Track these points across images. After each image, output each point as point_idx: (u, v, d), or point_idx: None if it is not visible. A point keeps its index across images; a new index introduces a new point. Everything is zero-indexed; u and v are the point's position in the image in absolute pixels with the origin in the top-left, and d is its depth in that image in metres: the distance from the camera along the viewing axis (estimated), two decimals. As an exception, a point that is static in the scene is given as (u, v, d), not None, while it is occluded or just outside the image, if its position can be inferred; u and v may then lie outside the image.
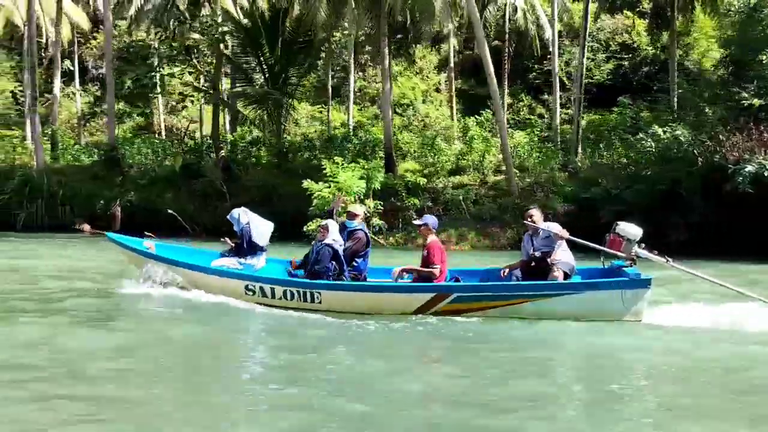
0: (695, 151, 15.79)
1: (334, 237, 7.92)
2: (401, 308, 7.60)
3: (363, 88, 38.81)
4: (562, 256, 7.80)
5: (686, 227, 15.36)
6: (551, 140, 22.82)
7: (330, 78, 29.21)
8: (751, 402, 4.94)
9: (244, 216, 8.71)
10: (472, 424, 4.34)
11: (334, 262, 7.80)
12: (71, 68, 39.97)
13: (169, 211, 19.57)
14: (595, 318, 7.40)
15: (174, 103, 35.11)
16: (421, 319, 7.48)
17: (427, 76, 38.32)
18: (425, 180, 18.67)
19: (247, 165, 22.21)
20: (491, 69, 19.03)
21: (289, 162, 22.08)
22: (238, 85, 22.67)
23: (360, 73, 37.68)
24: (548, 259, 7.79)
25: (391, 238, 17.98)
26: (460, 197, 17.91)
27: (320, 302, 7.70)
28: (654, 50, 31.11)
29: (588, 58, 31.15)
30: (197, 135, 28.52)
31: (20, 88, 38.35)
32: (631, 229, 7.54)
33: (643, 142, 16.96)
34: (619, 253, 7.55)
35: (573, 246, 7.96)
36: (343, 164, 17.31)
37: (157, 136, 34.99)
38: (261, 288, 7.93)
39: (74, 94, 37.16)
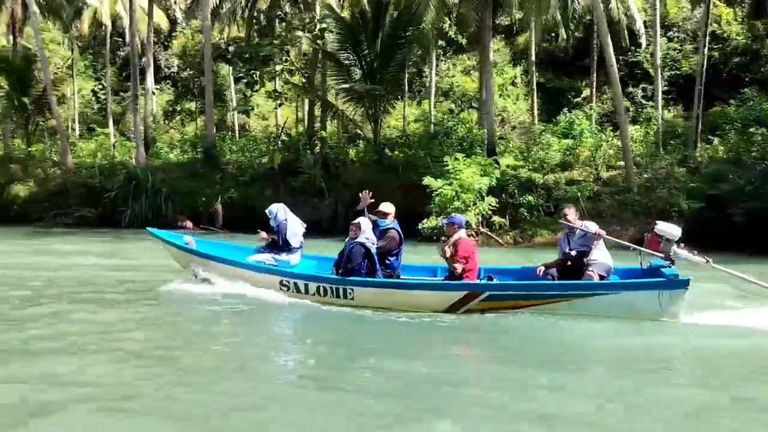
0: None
1: (366, 236, 7.85)
2: (434, 306, 7.58)
3: (436, 83, 38.32)
4: (599, 255, 7.67)
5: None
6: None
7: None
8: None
9: (282, 212, 8.65)
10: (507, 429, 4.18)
11: (366, 261, 7.79)
12: (146, 67, 40.60)
13: (356, 209, 19.36)
14: (631, 318, 7.23)
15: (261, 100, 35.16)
16: (455, 316, 7.44)
17: (503, 70, 37.53)
18: (540, 176, 18.02)
19: (345, 161, 21.91)
20: (613, 60, 18.24)
21: (388, 158, 21.70)
22: (335, 80, 22.36)
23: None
24: (584, 259, 7.67)
25: (507, 236, 17.42)
26: (578, 194, 17.21)
27: (353, 298, 7.74)
28: (746, 40, 29.71)
29: (674, 50, 30.04)
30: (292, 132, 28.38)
31: (100, 87, 39.13)
32: (669, 229, 7.35)
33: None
34: (656, 253, 7.37)
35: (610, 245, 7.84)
36: (463, 160, 16.78)
37: (230, 133, 35.26)
38: (295, 284, 8.02)
39: (153, 93, 37.57)
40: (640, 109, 28.45)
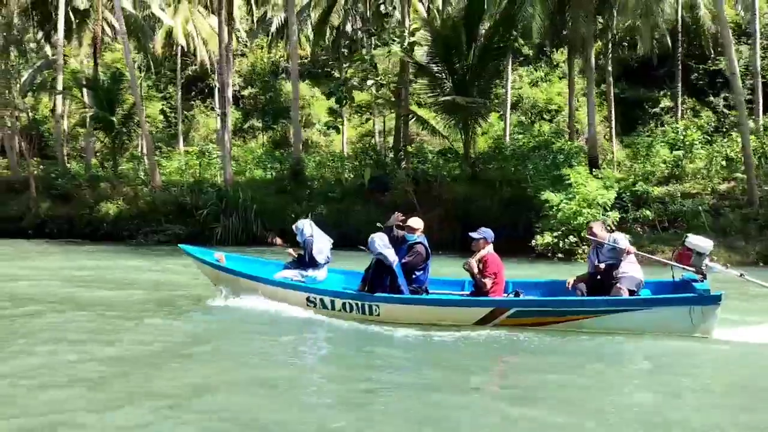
0: None
1: (387, 250, 7.90)
2: (460, 321, 7.52)
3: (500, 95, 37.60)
4: (629, 269, 7.47)
5: None
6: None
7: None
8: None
9: (308, 228, 8.67)
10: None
11: (389, 277, 7.84)
12: (210, 86, 40.78)
13: (378, 224, 18.89)
14: (662, 334, 7.04)
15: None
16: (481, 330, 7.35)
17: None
18: (657, 189, 17.06)
19: (437, 176, 21.27)
20: (736, 68, 17.20)
21: (483, 172, 20.99)
22: (425, 93, 21.79)
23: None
24: (614, 272, 7.49)
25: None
26: (699, 208, 16.22)
27: (378, 315, 7.74)
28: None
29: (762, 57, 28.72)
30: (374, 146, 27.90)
31: (169, 107, 39.41)
32: (700, 242, 7.17)
33: None
34: (687, 267, 7.20)
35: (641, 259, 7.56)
36: (585, 173, 15.94)
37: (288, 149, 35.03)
38: (321, 300, 8.04)
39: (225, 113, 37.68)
40: (722, 119, 27.26)
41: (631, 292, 7.41)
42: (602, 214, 15.23)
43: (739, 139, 17.36)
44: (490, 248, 7.84)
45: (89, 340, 7.04)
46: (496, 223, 19.47)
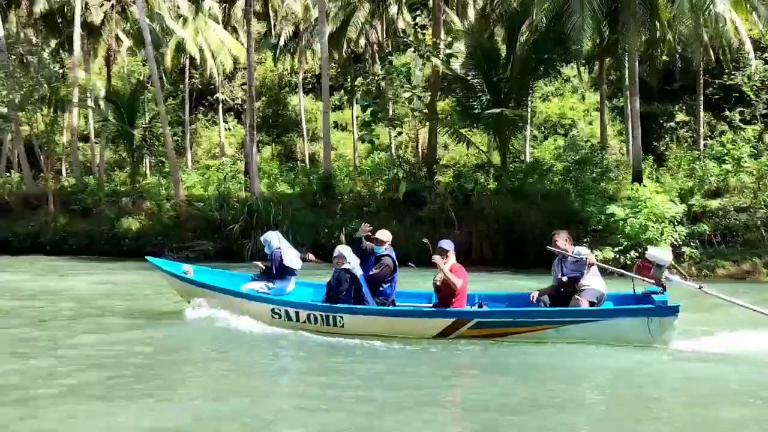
0: None
1: (351, 264, 7.90)
2: (422, 333, 7.55)
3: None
4: (592, 281, 7.50)
5: None
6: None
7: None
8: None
9: (275, 240, 8.62)
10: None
11: (353, 287, 7.80)
12: (211, 100, 39.88)
13: (424, 240, 18.22)
14: (620, 344, 7.09)
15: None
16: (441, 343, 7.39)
17: (582, 96, 36.33)
18: (716, 203, 16.62)
19: (476, 190, 20.66)
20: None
21: (522, 186, 20.44)
22: (462, 105, 21.23)
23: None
24: (577, 285, 7.51)
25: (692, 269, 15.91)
26: (757, 223, 15.82)
27: (342, 326, 7.70)
28: None
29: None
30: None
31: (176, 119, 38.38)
32: (660, 254, 7.19)
33: None
34: (647, 279, 7.21)
35: (603, 271, 7.65)
36: (653, 186, 15.44)
37: (300, 163, 34.22)
38: (286, 311, 7.98)
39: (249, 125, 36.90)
40: (737, 133, 27.15)
41: (592, 304, 7.43)
42: (670, 229, 14.72)
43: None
44: (453, 258, 7.80)
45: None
46: (542, 237, 19.10)
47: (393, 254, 8.18)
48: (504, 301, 8.35)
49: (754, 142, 19.48)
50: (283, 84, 44.74)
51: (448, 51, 20.25)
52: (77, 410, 5.16)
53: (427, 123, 21.69)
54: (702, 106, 26.94)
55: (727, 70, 29.05)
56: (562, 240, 7.86)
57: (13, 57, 22.65)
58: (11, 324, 9.15)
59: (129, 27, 30.51)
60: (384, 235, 8.26)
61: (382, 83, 20.42)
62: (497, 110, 18.34)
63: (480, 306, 7.99)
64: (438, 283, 7.77)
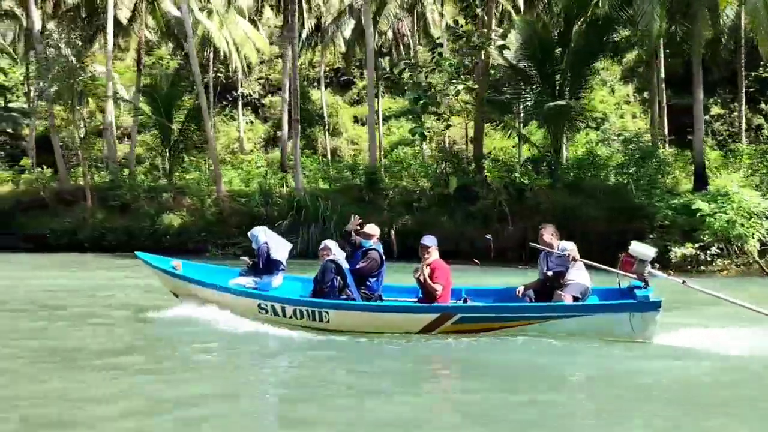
0: None
1: (336, 255, 7.92)
2: (407, 328, 7.51)
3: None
4: (576, 276, 7.49)
5: None
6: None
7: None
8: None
9: (262, 235, 8.58)
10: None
11: (338, 277, 7.78)
12: (235, 95, 39.03)
13: (487, 236, 17.58)
14: (603, 339, 7.13)
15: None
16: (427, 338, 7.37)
17: (612, 89, 35.70)
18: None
19: (530, 185, 20.01)
20: None
21: (577, 179, 19.80)
22: (517, 98, 20.55)
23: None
24: (561, 280, 7.51)
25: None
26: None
27: (328, 321, 7.66)
28: None
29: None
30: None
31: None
32: (642, 249, 7.14)
33: None
34: (629, 274, 7.21)
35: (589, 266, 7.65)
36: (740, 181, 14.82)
37: (321, 158, 33.44)
38: (273, 307, 7.90)
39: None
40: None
41: (576, 299, 7.41)
42: (758, 225, 14.11)
43: None
44: (436, 254, 7.71)
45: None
46: (603, 233, 18.53)
47: (380, 249, 8.15)
48: (490, 296, 8.32)
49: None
50: (301, 78, 44.01)
51: (500, 42, 19.53)
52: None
53: (475, 116, 20.95)
54: (744, 100, 26.36)
55: (762, 62, 28.45)
56: (548, 234, 7.79)
57: (51, 49, 21.79)
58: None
59: (156, 20, 29.64)
60: (372, 229, 8.23)
61: (432, 75, 19.62)
62: (562, 102, 17.63)
63: (465, 301, 7.94)
64: (420, 279, 7.68)
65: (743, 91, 26.34)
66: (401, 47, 34.46)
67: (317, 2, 37.74)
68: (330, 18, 36.34)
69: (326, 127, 37.40)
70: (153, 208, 22.52)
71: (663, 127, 27.73)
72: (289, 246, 8.77)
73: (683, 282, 7.19)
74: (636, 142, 19.87)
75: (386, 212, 20.90)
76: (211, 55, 34.72)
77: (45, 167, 25.90)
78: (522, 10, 22.90)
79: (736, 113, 30.22)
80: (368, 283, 7.97)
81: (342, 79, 44.85)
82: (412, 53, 31.04)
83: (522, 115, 20.61)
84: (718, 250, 14.62)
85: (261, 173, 24.00)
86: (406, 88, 20.20)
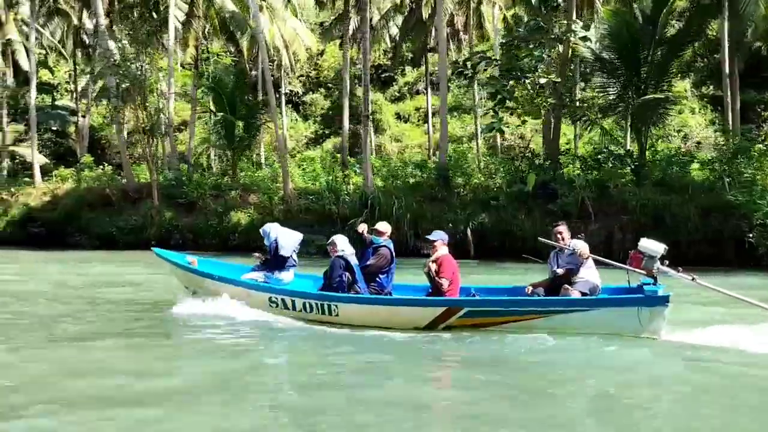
0: None
1: (344, 250, 7.91)
2: (414, 322, 7.49)
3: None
4: (586, 274, 7.46)
5: None
6: None
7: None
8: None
9: (273, 231, 8.67)
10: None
11: (347, 273, 7.79)
12: (285, 91, 38.48)
13: (579, 236, 16.85)
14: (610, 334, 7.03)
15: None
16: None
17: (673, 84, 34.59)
18: None
19: (616, 182, 19.14)
20: None
21: (664, 176, 18.91)
22: (598, 91, 19.69)
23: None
24: (571, 278, 7.47)
25: None
26: None
27: (337, 315, 7.69)
28: None
29: None
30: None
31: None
32: (651, 245, 7.01)
33: None
34: (638, 270, 7.11)
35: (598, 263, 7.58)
36: None
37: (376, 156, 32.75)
38: (283, 300, 7.99)
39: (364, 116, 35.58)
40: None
41: (584, 294, 7.35)
42: None
43: None
44: (445, 250, 7.74)
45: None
46: (697, 232, 17.66)
47: (391, 246, 8.16)
48: (500, 293, 8.28)
49: None
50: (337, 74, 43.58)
51: (582, 33, 18.68)
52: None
53: (553, 111, 20.12)
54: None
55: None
56: (566, 233, 7.77)
57: (122, 45, 21.33)
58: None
59: (210, 17, 29.17)
60: (383, 226, 8.27)
61: (512, 68, 18.81)
62: (660, 95, 16.75)
63: (472, 296, 7.90)
64: (429, 272, 7.72)
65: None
66: (458, 41, 33.77)
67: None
68: (377, 14, 35.67)
69: (373, 124, 36.84)
70: (219, 205, 22.00)
71: (737, 122, 26.68)
72: (298, 239, 8.79)
73: (693, 279, 7.03)
74: (731, 137, 18.89)
75: (460, 210, 20.19)
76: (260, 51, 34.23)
77: (106, 165, 25.53)
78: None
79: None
80: (378, 279, 8.01)
81: (383, 75, 44.26)
82: (467, 47, 30.25)
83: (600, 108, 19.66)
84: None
85: (323, 171, 23.32)
86: (480, 82, 19.27)
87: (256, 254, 9.02)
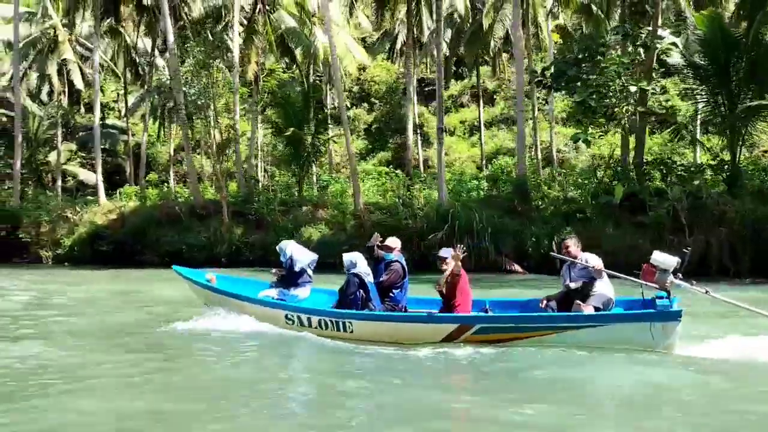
0: None
1: (360, 269, 8.00)
2: (427, 338, 7.49)
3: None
4: (599, 287, 7.45)
5: None
6: None
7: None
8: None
9: (288, 248, 8.71)
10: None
11: (361, 290, 7.90)
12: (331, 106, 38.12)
13: (686, 249, 15.95)
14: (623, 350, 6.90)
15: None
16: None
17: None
18: None
19: (708, 193, 18.18)
20: None
21: (762, 186, 17.92)
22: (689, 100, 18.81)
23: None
24: (584, 291, 7.42)
25: None
26: None
27: (352, 332, 7.74)
28: None
29: None
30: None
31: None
32: (664, 259, 6.88)
33: None
34: (651, 284, 6.98)
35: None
36: None
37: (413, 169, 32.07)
38: (299, 317, 8.06)
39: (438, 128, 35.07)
40: None
41: (597, 309, 7.28)
42: None
43: None
44: (453, 264, 7.65)
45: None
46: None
47: (403, 260, 8.21)
48: (513, 307, 8.23)
49: None
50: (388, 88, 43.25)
51: (672, 39, 17.86)
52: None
53: (639, 119, 19.26)
54: None
55: None
56: (573, 246, 7.71)
57: (193, 61, 21.04)
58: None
59: (267, 32, 28.88)
60: (393, 242, 8.31)
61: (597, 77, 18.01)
62: (765, 102, 15.83)
63: (486, 311, 7.91)
64: (440, 289, 7.77)
65: None
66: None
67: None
68: (426, 27, 35.20)
69: (421, 138, 36.33)
70: (289, 221, 21.45)
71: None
72: (313, 258, 8.82)
73: (706, 292, 6.95)
74: None
75: (542, 224, 19.36)
76: (311, 66, 33.90)
77: (167, 183, 25.20)
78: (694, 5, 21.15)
79: None
80: (392, 294, 8.06)
81: (426, 89, 43.84)
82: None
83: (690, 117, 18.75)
84: None
85: (390, 185, 22.70)
86: (571, 90, 18.51)
87: (274, 270, 9.05)
